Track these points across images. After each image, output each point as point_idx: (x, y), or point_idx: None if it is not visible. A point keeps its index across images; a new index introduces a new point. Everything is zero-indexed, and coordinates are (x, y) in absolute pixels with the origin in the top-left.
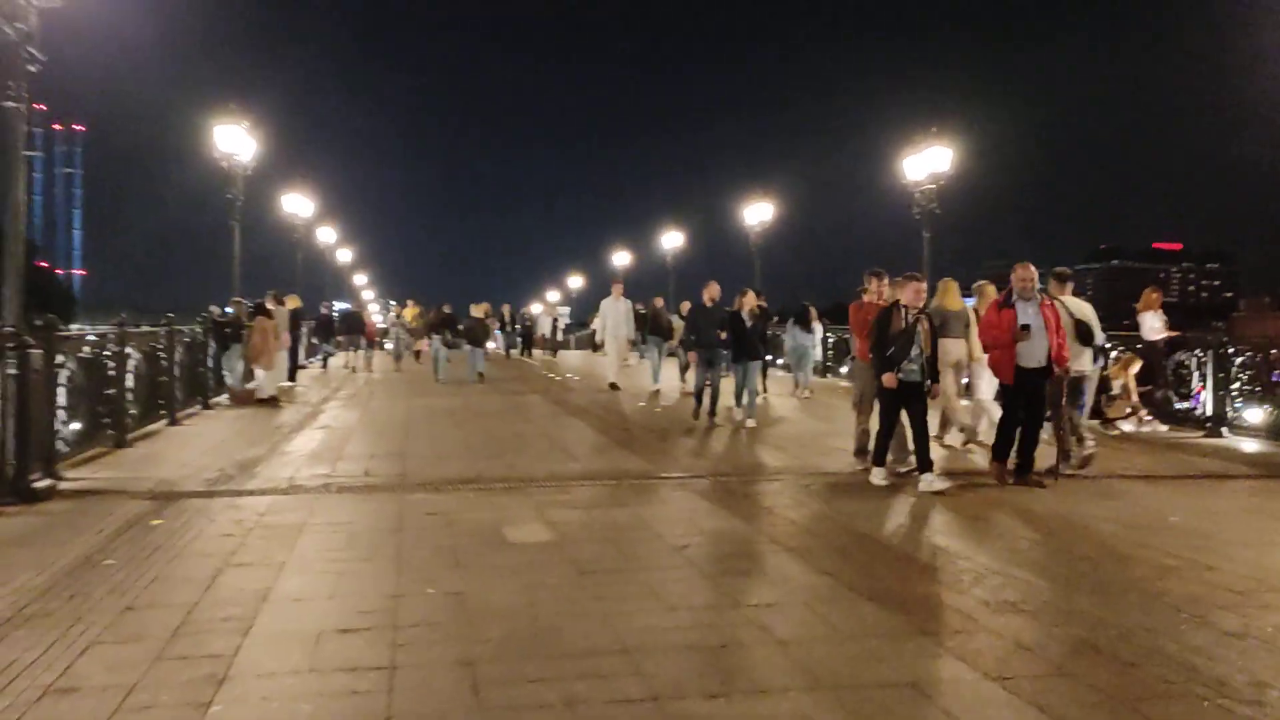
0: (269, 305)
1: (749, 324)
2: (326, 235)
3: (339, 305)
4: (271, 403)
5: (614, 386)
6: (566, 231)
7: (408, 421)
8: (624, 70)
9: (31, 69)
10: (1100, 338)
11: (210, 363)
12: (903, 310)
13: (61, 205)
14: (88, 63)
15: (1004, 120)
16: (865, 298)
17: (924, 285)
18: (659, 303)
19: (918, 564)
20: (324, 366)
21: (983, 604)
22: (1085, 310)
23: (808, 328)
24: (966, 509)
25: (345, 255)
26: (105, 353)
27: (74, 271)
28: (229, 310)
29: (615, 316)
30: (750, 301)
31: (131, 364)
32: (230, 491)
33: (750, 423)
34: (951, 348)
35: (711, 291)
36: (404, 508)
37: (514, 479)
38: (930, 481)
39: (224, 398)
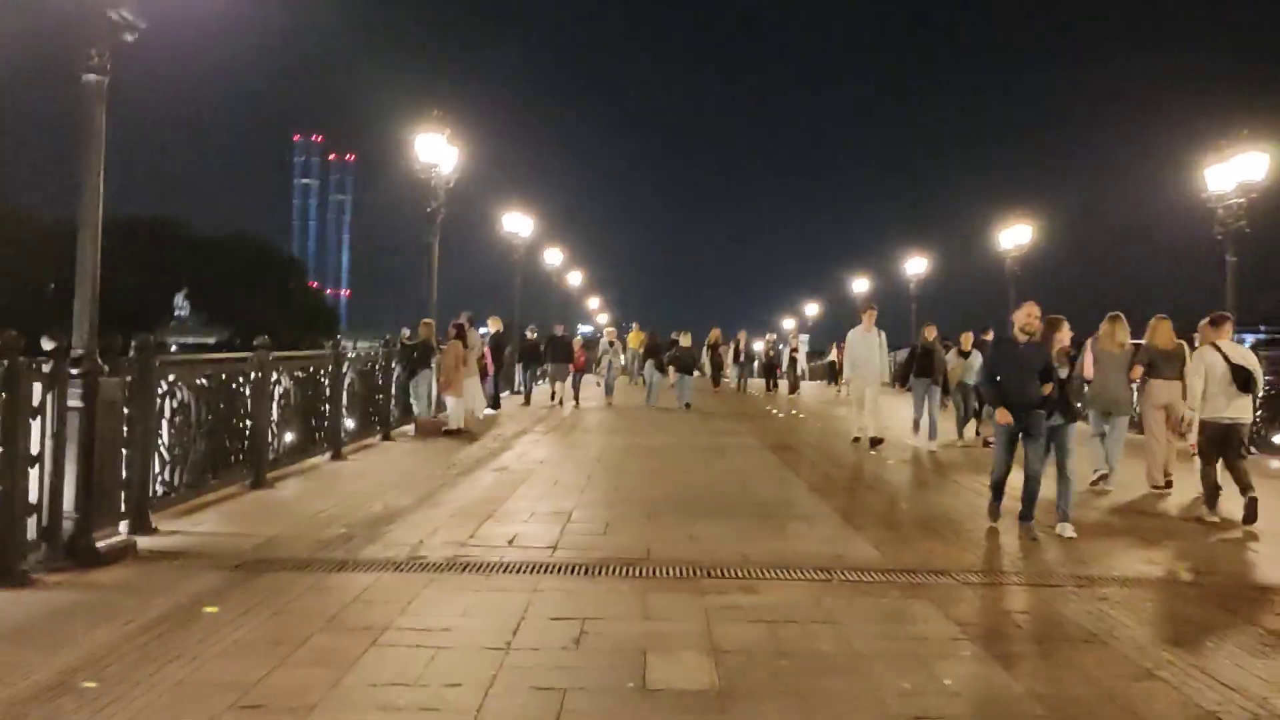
0: (464, 327)
1: (1065, 371)
2: (553, 257)
3: (583, 329)
4: (459, 435)
5: (874, 442)
6: (802, 256)
7: (594, 466)
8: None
9: (128, 37)
10: (1259, 384)
11: (394, 389)
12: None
13: (332, 229)
14: (361, 94)
15: None
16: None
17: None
18: (930, 334)
19: None
20: (526, 397)
21: None
22: (1246, 356)
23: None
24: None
25: (575, 279)
26: (241, 380)
27: (341, 292)
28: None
29: (866, 351)
30: (1064, 338)
31: (277, 392)
32: (333, 563)
33: (1068, 531)
34: (1159, 389)
35: (1027, 319)
36: (530, 606)
37: (689, 563)
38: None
39: (410, 428)
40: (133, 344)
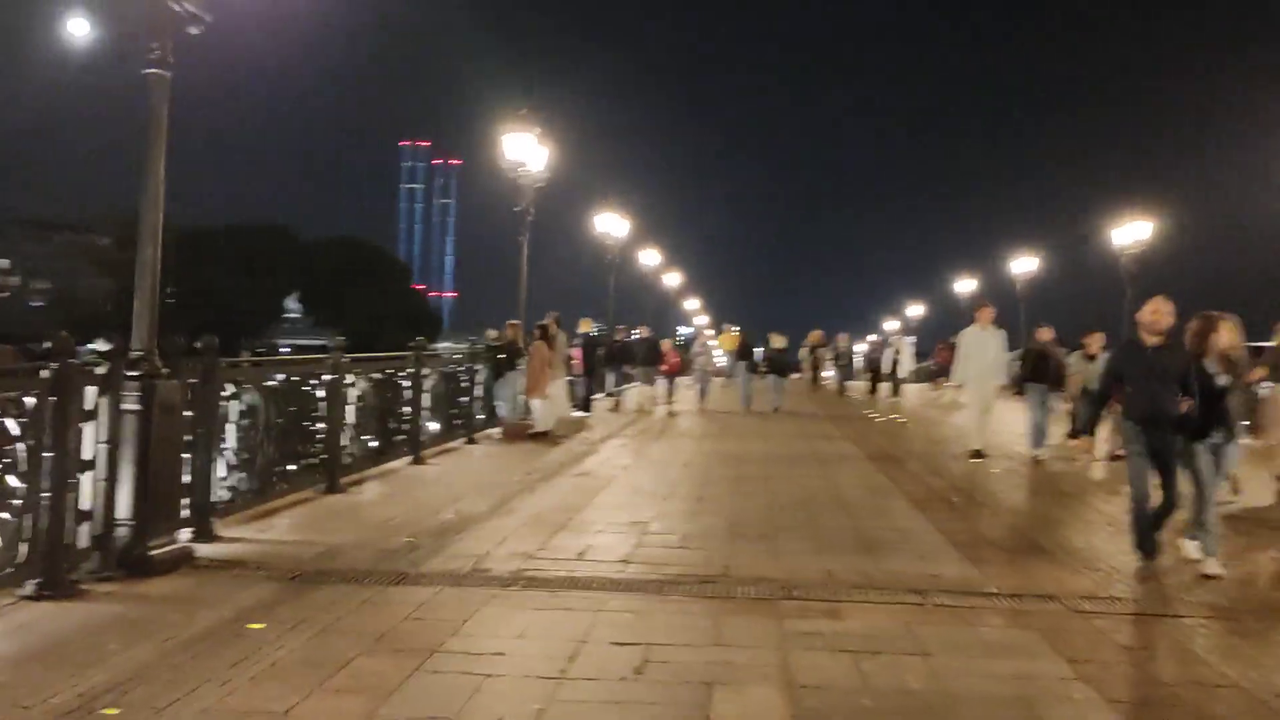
0: (549, 329)
1: (1225, 380)
2: (650, 259)
3: (683, 331)
4: (545, 438)
5: (977, 454)
6: (906, 257)
7: (678, 474)
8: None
9: (193, 30)
10: None
11: (478, 392)
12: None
13: (437, 233)
14: (466, 100)
15: None
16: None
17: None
18: (1044, 335)
19: None
20: (616, 401)
21: None
22: None
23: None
24: None
25: (673, 280)
26: (314, 383)
27: (445, 294)
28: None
29: (982, 353)
30: (1228, 339)
31: (353, 394)
32: (392, 575)
33: (1215, 569)
34: None
35: (1152, 317)
36: (593, 628)
37: (769, 581)
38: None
39: (496, 431)
40: (197, 345)
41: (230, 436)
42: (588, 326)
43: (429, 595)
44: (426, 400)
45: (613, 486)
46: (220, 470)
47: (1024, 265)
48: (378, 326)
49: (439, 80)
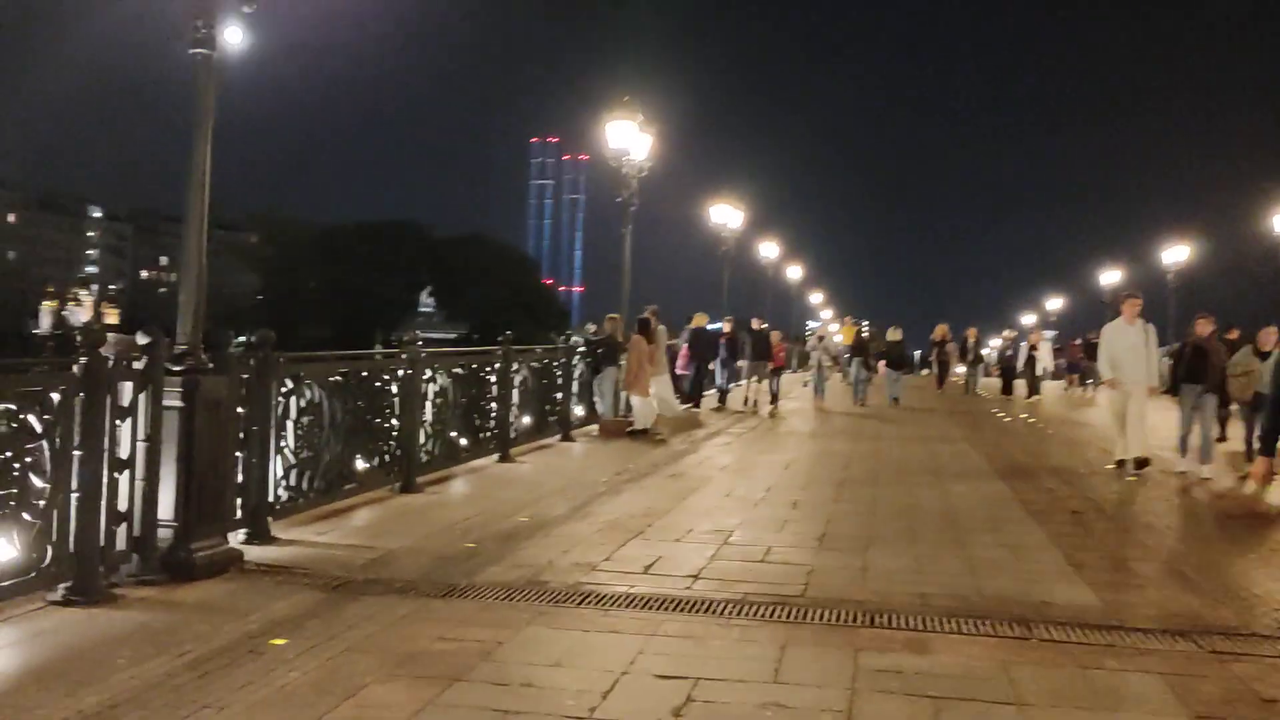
0: (650, 322)
1: None
2: (769, 251)
3: (812, 325)
4: (644, 436)
5: (1138, 463)
6: (1043, 247)
7: (778, 476)
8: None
9: (246, 8)
10: None
11: (575, 388)
12: None
13: (566, 228)
14: (595, 95)
15: None
16: None
17: None
18: (1204, 328)
19: None
20: (721, 396)
21: None
22: None
23: None
24: None
25: (794, 273)
26: (386, 378)
27: (574, 288)
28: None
29: (1128, 350)
30: None
31: (431, 390)
32: (441, 587)
33: None
34: None
35: None
36: (639, 655)
37: (852, 603)
38: None
39: (595, 428)
40: (250, 340)
41: (290, 434)
42: (701, 321)
43: (473, 610)
44: (515, 397)
45: (704, 490)
46: (279, 469)
47: (1175, 254)
48: (506, 319)
49: (569, 77)
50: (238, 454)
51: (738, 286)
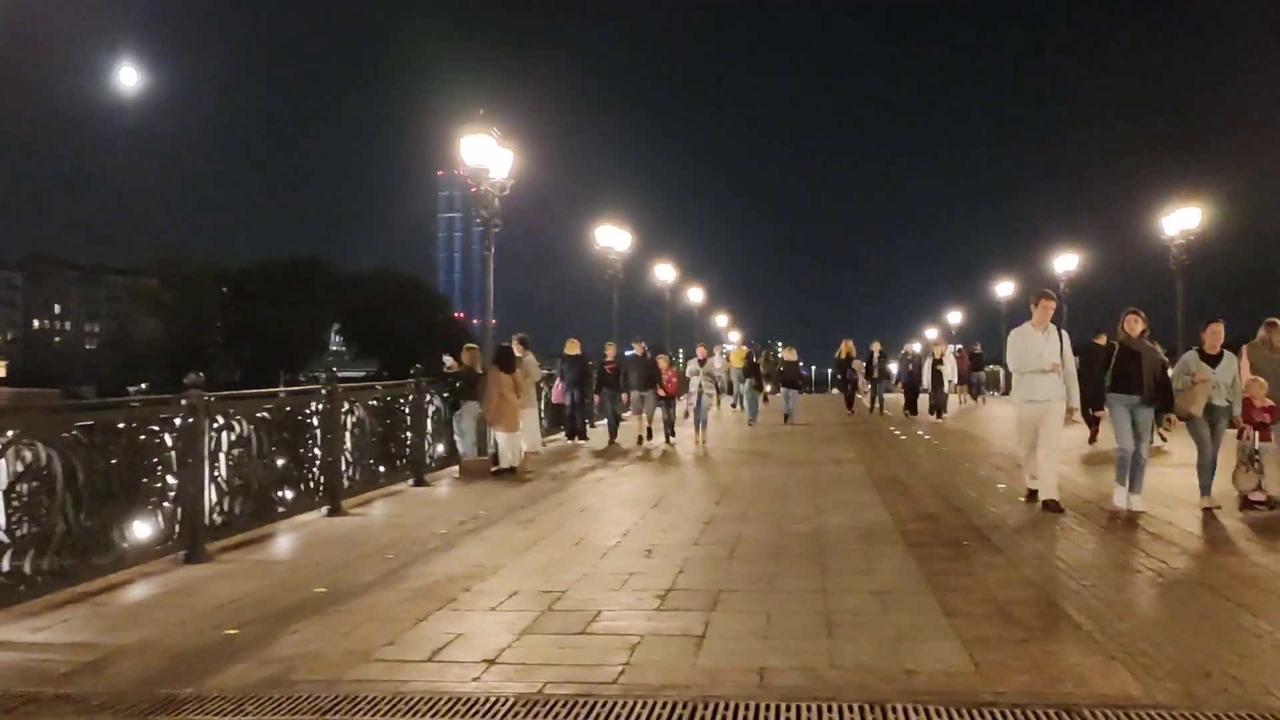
0: (511, 352)
1: None
2: (665, 274)
3: (727, 348)
4: (509, 476)
5: (1047, 505)
6: (936, 259)
7: (640, 517)
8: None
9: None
10: None
11: (429, 426)
12: None
13: (478, 260)
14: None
15: None
16: None
17: None
18: (1134, 326)
19: None
20: (611, 431)
21: None
22: None
23: None
24: None
25: (696, 296)
26: (158, 428)
27: (489, 322)
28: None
29: (1041, 359)
30: None
31: (226, 439)
32: (157, 702)
33: None
34: None
35: None
36: None
37: (674, 689)
38: None
39: (456, 469)
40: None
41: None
42: (574, 349)
43: None
44: (347, 440)
45: (551, 538)
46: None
47: (1065, 263)
48: (417, 356)
49: (469, 107)
50: None
51: (634, 312)
